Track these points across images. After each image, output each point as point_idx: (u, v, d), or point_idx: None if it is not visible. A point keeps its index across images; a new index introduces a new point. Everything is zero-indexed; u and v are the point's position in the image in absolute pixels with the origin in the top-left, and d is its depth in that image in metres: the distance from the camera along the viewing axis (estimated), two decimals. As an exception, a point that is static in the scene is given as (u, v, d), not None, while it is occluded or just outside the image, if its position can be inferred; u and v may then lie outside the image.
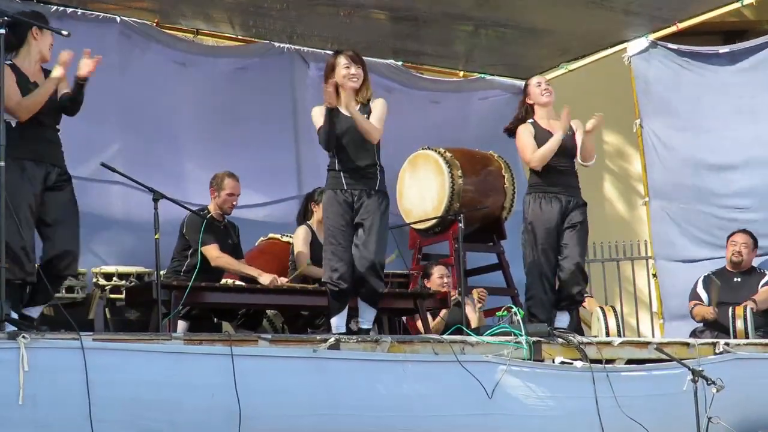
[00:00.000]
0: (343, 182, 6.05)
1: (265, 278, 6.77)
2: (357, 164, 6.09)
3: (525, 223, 6.85)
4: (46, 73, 5.68)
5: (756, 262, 8.46)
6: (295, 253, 7.21)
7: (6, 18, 5.33)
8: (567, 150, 6.77)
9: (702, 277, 8.46)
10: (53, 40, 5.70)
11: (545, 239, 6.71)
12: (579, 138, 6.78)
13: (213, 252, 6.84)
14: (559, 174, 6.79)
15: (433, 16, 8.74)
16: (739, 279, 8.26)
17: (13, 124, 5.45)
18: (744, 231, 8.36)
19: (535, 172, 6.79)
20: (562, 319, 6.73)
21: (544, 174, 6.76)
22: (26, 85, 5.55)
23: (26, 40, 5.67)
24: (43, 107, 5.53)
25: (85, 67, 5.58)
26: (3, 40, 5.36)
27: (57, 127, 5.70)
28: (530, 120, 6.92)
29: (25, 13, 5.84)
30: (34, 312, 5.56)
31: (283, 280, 6.87)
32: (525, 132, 6.85)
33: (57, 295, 6.57)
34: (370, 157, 6.14)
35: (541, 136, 6.77)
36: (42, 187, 5.50)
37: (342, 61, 6.14)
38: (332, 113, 5.99)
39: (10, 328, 4.83)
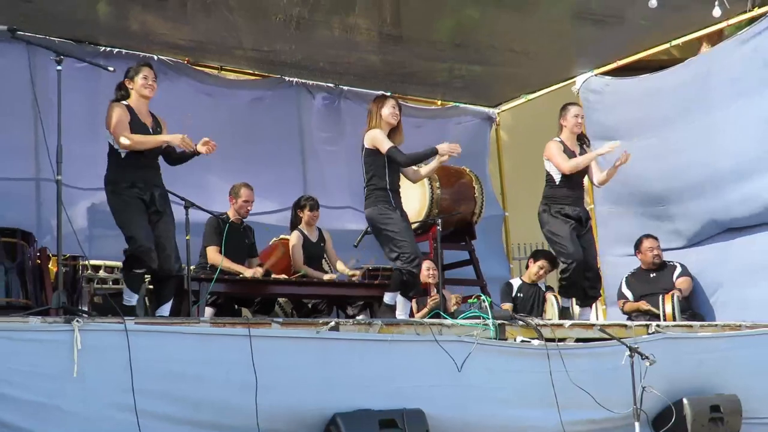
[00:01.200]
0: (391, 200, 6.17)
1: (248, 273, 6.85)
2: (398, 185, 6.27)
3: None
4: (155, 118, 5.88)
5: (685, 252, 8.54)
6: (292, 255, 7.25)
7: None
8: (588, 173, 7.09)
9: (624, 279, 8.53)
10: (145, 80, 5.78)
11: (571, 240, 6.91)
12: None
13: (211, 252, 6.89)
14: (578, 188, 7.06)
15: (416, 56, 8.78)
16: (654, 275, 8.32)
17: (122, 155, 5.64)
18: (649, 235, 8.43)
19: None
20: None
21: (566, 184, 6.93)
22: (138, 124, 5.68)
23: (127, 89, 5.76)
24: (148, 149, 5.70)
25: (204, 147, 5.73)
26: (60, 76, 5.41)
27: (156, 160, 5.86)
28: (557, 138, 6.98)
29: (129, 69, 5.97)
30: (164, 309, 5.78)
31: (259, 271, 6.90)
32: (556, 146, 6.95)
33: (105, 286, 6.63)
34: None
35: (568, 152, 6.90)
36: (147, 200, 5.66)
37: (391, 102, 6.28)
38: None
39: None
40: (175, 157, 5.93)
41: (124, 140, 5.56)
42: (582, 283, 6.97)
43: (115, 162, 5.71)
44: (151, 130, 5.78)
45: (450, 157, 6.36)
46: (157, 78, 5.90)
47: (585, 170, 7.00)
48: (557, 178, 6.92)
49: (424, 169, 6.54)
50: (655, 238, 8.42)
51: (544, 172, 7.05)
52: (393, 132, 6.27)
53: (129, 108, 5.70)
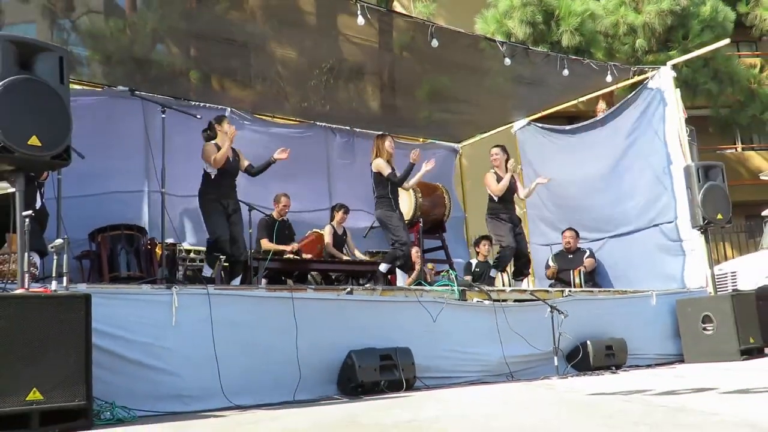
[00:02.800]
0: (393, 205, 6.23)
1: (287, 249, 6.79)
2: (397, 195, 6.35)
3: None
4: (234, 150, 5.88)
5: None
6: (324, 242, 7.25)
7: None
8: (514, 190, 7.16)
9: (551, 255, 8.50)
10: (230, 129, 5.82)
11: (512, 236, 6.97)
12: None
13: (264, 242, 6.86)
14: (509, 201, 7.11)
15: (405, 108, 8.77)
16: (571, 256, 8.29)
17: (212, 176, 5.67)
18: (570, 229, 8.38)
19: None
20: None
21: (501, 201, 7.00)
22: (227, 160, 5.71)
23: (215, 131, 5.77)
24: (229, 169, 5.69)
25: (280, 155, 5.82)
26: (164, 122, 5.38)
27: (234, 180, 5.87)
28: (492, 170, 7.13)
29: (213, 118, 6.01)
30: (236, 281, 5.77)
31: (295, 246, 6.87)
32: (491, 176, 7.09)
33: (194, 264, 6.60)
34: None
35: (499, 179, 7.04)
36: (224, 208, 5.67)
37: (389, 140, 6.39)
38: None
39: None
40: (255, 171, 5.97)
41: (216, 159, 5.57)
42: (511, 262, 7.04)
43: (206, 181, 5.70)
44: (231, 160, 5.78)
45: (428, 173, 6.43)
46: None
47: (513, 189, 7.04)
48: (495, 197, 6.97)
49: (411, 182, 6.56)
50: (574, 230, 8.37)
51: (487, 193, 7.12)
52: (390, 158, 6.31)
53: (216, 145, 5.69)
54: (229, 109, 7.78)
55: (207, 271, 5.73)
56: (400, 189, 7.54)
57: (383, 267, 6.19)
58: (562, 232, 8.42)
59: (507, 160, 7.17)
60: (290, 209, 7.23)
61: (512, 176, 7.08)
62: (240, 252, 5.72)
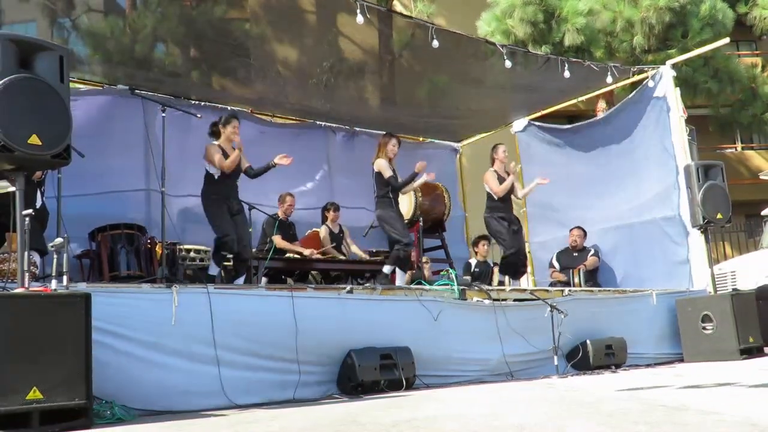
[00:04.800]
0: (394, 206, 6.20)
1: (306, 252, 6.80)
2: (396, 195, 6.28)
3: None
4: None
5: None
6: (321, 241, 7.26)
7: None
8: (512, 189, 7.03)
9: (555, 254, 8.48)
10: (235, 129, 5.76)
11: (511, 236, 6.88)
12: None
13: (278, 240, 6.86)
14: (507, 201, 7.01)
15: (405, 104, 8.77)
16: (576, 254, 8.27)
17: (215, 176, 5.62)
18: (578, 227, 8.36)
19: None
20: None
21: (501, 200, 6.90)
22: (226, 156, 5.66)
23: (219, 132, 5.72)
24: (232, 171, 5.66)
25: (281, 161, 5.75)
26: (164, 120, 5.37)
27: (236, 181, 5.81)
28: (492, 168, 7.00)
29: (221, 116, 5.93)
30: (240, 280, 5.74)
31: (314, 252, 6.88)
32: (492, 175, 6.97)
33: (194, 263, 6.59)
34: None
35: (500, 179, 6.92)
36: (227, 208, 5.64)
37: (393, 141, 6.33)
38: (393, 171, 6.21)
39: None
40: (254, 173, 5.91)
41: (221, 162, 5.56)
42: (516, 264, 6.95)
43: (209, 181, 5.68)
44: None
45: (429, 178, 6.40)
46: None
47: (512, 188, 6.99)
48: (495, 196, 6.92)
49: (410, 186, 6.54)
50: (582, 229, 8.34)
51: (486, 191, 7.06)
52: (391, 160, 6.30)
53: (219, 146, 5.67)
54: (229, 107, 7.78)
55: (213, 270, 5.72)
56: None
57: (387, 268, 6.17)
58: (570, 230, 8.39)
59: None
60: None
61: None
62: (246, 252, 5.72)
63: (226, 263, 5.81)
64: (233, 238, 5.52)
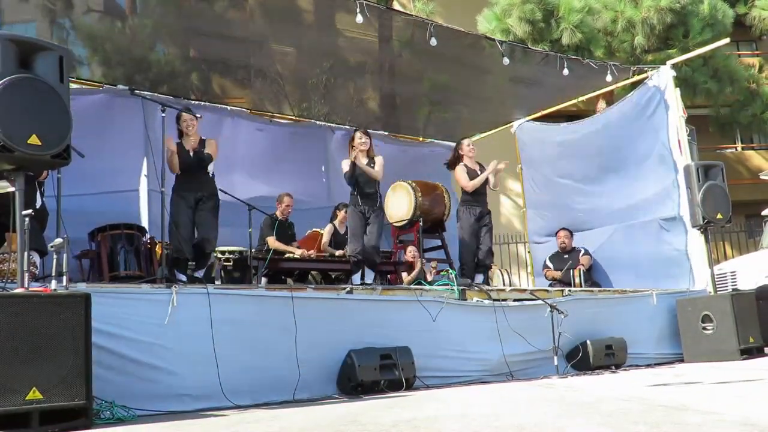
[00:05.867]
0: (359, 202, 6.05)
1: (298, 253, 6.78)
2: (366, 191, 6.07)
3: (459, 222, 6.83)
4: (202, 141, 5.73)
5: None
6: (323, 240, 7.25)
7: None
8: (486, 182, 6.84)
9: (548, 257, 8.50)
10: (187, 123, 5.70)
11: (470, 233, 6.70)
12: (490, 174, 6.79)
13: (270, 240, 6.85)
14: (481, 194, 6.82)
15: (405, 105, 8.78)
16: (566, 256, 8.29)
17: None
18: (563, 228, 8.37)
19: (466, 192, 6.79)
20: (479, 277, 6.75)
21: (473, 194, 6.75)
22: (185, 155, 5.59)
23: (181, 129, 5.69)
24: (192, 163, 5.54)
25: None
26: (164, 120, 5.38)
27: (208, 172, 5.67)
28: (462, 163, 6.88)
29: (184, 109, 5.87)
30: (199, 273, 5.61)
31: (306, 253, 6.83)
32: (461, 169, 6.83)
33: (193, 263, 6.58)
34: (373, 187, 6.13)
35: (470, 172, 6.77)
36: (194, 203, 5.55)
37: (357, 134, 6.15)
38: (354, 164, 6.00)
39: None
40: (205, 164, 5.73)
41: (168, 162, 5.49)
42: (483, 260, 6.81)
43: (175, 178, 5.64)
44: (191, 154, 5.65)
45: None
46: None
47: (487, 181, 6.90)
48: (466, 190, 6.82)
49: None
50: (568, 230, 8.36)
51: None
52: (368, 152, 6.20)
53: (178, 144, 5.63)
54: (228, 107, 7.78)
55: (180, 276, 5.64)
56: (398, 188, 7.56)
57: (354, 278, 6.12)
58: (556, 233, 8.40)
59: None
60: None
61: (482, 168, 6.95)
62: (206, 244, 5.54)
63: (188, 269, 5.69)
64: (184, 240, 5.39)
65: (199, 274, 5.58)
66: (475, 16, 11.57)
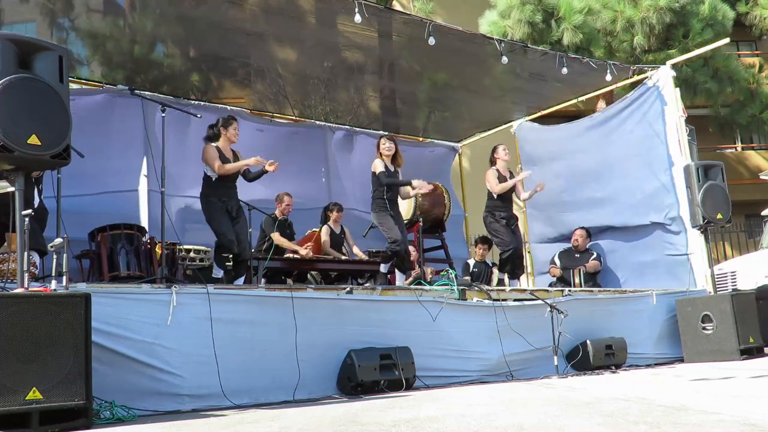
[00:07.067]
0: (388, 206, 6.13)
1: (302, 251, 6.77)
2: (395, 196, 6.28)
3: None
4: (234, 152, 5.80)
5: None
6: (321, 241, 7.26)
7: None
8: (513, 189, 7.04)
9: (557, 252, 8.48)
10: (236, 131, 5.78)
11: (505, 232, 6.87)
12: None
13: (276, 237, 6.86)
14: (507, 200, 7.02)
15: (405, 105, 8.78)
16: (578, 255, 8.27)
17: (213, 179, 5.58)
18: (582, 228, 8.36)
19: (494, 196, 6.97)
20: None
21: (500, 198, 6.92)
22: (224, 159, 5.65)
23: (220, 134, 5.70)
24: (231, 174, 5.67)
25: (271, 167, 5.75)
26: (164, 120, 5.37)
27: (235, 182, 5.79)
28: (494, 167, 7.03)
29: (220, 118, 5.88)
30: (240, 281, 5.72)
31: (311, 253, 6.86)
32: (493, 173, 6.99)
33: (193, 263, 6.59)
34: (397, 193, 6.32)
35: (500, 178, 6.95)
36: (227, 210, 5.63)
37: (383, 140, 6.37)
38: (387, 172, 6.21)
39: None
40: (251, 177, 5.92)
41: (220, 169, 5.54)
42: (514, 262, 6.94)
43: (207, 183, 5.68)
44: (231, 162, 5.75)
45: (427, 173, 6.40)
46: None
47: (513, 188, 7.01)
48: (494, 194, 6.94)
49: (407, 194, 6.59)
50: (586, 230, 8.31)
51: (486, 191, 7.08)
52: (394, 157, 6.30)
53: (218, 148, 5.67)
54: (228, 107, 7.77)
55: (217, 273, 5.71)
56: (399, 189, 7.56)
57: (383, 267, 6.20)
58: (574, 230, 8.38)
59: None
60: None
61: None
62: (245, 253, 5.72)
63: (227, 264, 5.80)
64: (231, 239, 5.52)
65: (240, 281, 5.70)
66: (475, 17, 11.58)
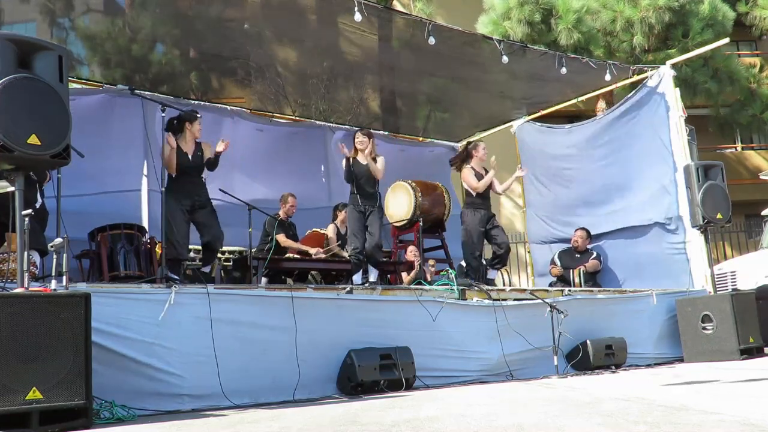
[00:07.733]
0: (359, 201, 6.04)
1: (312, 251, 6.76)
2: (366, 190, 6.07)
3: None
4: (198, 145, 5.68)
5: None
6: (328, 239, 7.24)
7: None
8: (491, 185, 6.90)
9: (558, 252, 8.48)
10: (200, 126, 5.70)
11: (477, 234, 6.71)
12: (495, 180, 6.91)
13: (281, 238, 6.85)
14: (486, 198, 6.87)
15: (405, 105, 8.77)
16: (578, 255, 8.27)
17: (173, 176, 5.54)
18: (582, 228, 8.35)
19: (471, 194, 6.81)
20: (492, 273, 6.84)
21: (479, 196, 6.78)
22: (180, 154, 5.55)
23: (184, 128, 5.63)
24: (191, 167, 5.51)
25: (221, 147, 5.62)
26: (164, 120, 5.36)
27: (202, 176, 5.68)
28: (470, 165, 6.87)
29: (184, 112, 5.79)
30: (206, 269, 5.68)
31: (320, 251, 6.86)
32: (469, 171, 6.85)
33: (193, 263, 6.58)
34: (373, 186, 6.13)
35: (477, 175, 6.81)
36: (189, 207, 5.53)
37: (357, 135, 6.19)
38: (350, 162, 5.99)
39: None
40: (210, 164, 5.70)
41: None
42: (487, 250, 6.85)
43: (168, 180, 5.56)
44: (190, 157, 5.62)
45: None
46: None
47: (491, 184, 6.91)
48: (473, 192, 6.83)
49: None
50: (586, 231, 8.29)
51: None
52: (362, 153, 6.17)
53: (177, 142, 5.59)
54: (228, 107, 7.78)
55: (205, 268, 5.69)
56: (398, 188, 7.56)
57: (356, 278, 6.09)
58: (575, 230, 8.38)
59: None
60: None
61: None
62: (216, 242, 5.62)
63: (187, 270, 5.68)
64: (180, 241, 5.42)
65: (206, 269, 5.60)
66: (475, 18, 11.58)
